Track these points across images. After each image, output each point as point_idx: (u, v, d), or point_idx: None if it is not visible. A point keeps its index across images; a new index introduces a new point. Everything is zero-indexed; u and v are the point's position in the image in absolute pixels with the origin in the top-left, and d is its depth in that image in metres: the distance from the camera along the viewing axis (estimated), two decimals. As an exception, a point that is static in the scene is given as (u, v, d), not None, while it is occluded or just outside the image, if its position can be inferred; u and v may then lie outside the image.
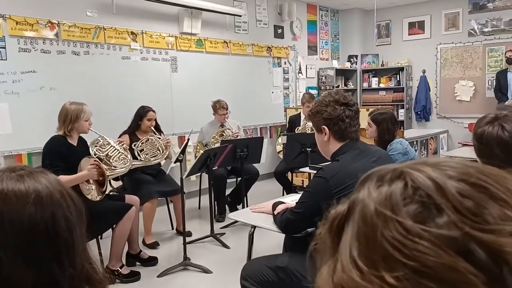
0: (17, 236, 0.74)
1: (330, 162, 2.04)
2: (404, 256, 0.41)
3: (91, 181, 3.17)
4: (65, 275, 0.76)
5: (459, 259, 0.40)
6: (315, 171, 3.84)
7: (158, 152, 3.93)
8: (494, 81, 7.08)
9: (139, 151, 3.91)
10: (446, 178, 0.44)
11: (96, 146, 3.33)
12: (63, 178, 2.93)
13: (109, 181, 3.15)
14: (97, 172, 3.09)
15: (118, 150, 3.39)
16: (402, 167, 0.48)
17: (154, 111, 4.14)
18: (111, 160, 3.33)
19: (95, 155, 3.26)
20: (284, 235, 2.35)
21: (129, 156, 3.47)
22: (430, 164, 0.47)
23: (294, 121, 5.77)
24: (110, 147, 3.38)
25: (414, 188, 0.45)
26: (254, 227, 2.44)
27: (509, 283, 0.40)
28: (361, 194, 0.48)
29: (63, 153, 3.13)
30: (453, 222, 0.41)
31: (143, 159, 3.87)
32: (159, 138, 4.01)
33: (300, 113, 5.79)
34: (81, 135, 3.35)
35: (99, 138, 3.37)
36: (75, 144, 3.26)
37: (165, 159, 4.10)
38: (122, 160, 3.39)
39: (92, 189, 3.15)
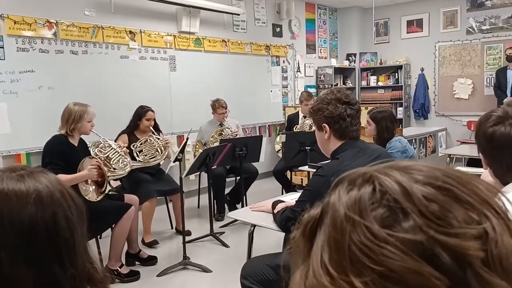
0: (17, 236, 0.73)
1: (329, 160, 2.04)
2: (371, 261, 0.42)
3: (89, 181, 3.16)
4: (66, 275, 0.76)
5: (423, 264, 0.40)
6: (314, 170, 3.85)
7: (157, 153, 3.92)
8: (493, 78, 7.09)
9: (138, 152, 3.90)
10: (413, 182, 0.44)
11: (97, 147, 3.34)
12: (63, 177, 2.92)
13: (108, 182, 3.15)
14: (97, 173, 3.09)
15: (118, 152, 3.40)
16: (371, 171, 0.48)
17: (153, 111, 4.13)
18: (111, 162, 3.33)
19: (96, 156, 3.26)
20: (283, 233, 2.34)
21: (129, 159, 3.47)
22: (398, 168, 0.47)
23: (292, 119, 5.77)
24: (111, 149, 3.39)
25: (382, 192, 0.45)
26: (254, 226, 2.44)
27: (473, 286, 0.40)
28: (332, 198, 0.48)
29: (64, 152, 3.13)
30: (419, 226, 0.42)
31: (141, 160, 3.86)
32: (158, 138, 4.00)
33: (298, 111, 5.79)
34: (81, 136, 3.35)
35: (100, 140, 3.38)
36: (76, 145, 3.27)
37: (164, 159, 4.09)
38: (122, 163, 3.39)
39: (90, 190, 3.15)
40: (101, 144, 3.38)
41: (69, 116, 3.19)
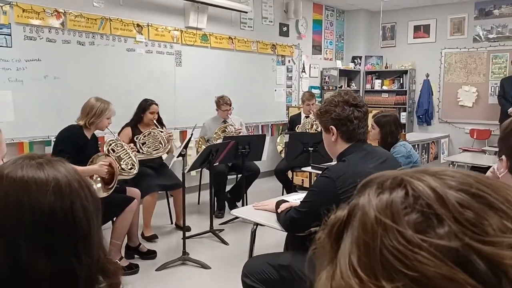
0: (36, 224, 0.73)
1: (336, 162, 2.04)
2: (404, 266, 0.41)
3: (94, 177, 3.17)
4: (82, 265, 0.76)
5: (458, 270, 0.40)
6: (317, 171, 3.85)
7: (160, 145, 3.93)
8: (498, 87, 7.09)
9: (141, 144, 3.91)
10: (447, 188, 0.44)
11: (110, 145, 3.38)
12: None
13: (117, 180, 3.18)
14: (107, 170, 3.12)
15: (129, 155, 3.43)
16: (402, 175, 0.48)
17: (157, 105, 4.13)
18: (120, 162, 3.36)
19: (108, 153, 3.29)
20: (284, 233, 2.35)
21: (137, 162, 3.49)
22: (430, 173, 0.47)
23: (295, 120, 5.77)
24: (123, 150, 3.42)
25: (415, 197, 0.44)
26: (257, 224, 2.44)
27: None
28: (361, 201, 0.48)
29: (77, 143, 3.18)
30: (454, 233, 0.41)
31: (145, 152, 3.87)
32: (161, 131, 4.00)
33: (300, 112, 5.79)
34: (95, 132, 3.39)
35: (115, 139, 3.42)
36: (89, 138, 3.31)
37: (166, 153, 4.09)
38: (130, 165, 3.42)
39: (96, 187, 3.16)
40: (114, 143, 3.41)
41: (91, 110, 3.25)
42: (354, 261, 0.44)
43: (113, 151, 3.38)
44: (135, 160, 3.48)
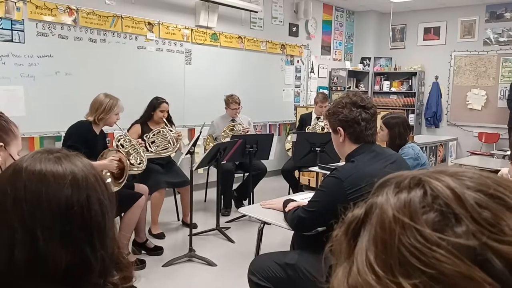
0: (54, 216, 0.76)
1: (344, 163, 2.05)
2: (422, 264, 0.42)
3: (103, 172, 3.21)
4: (96, 257, 0.78)
5: (475, 269, 0.41)
6: (324, 171, 3.86)
7: (169, 145, 3.96)
8: (508, 91, 7.04)
9: (150, 143, 3.94)
10: (465, 188, 0.45)
11: (119, 141, 3.42)
12: None
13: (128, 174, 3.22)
14: (117, 165, 3.15)
15: (137, 150, 3.46)
16: (420, 175, 0.49)
17: (167, 103, 4.16)
18: (129, 157, 3.41)
19: (117, 148, 3.34)
20: (291, 232, 2.36)
21: (145, 158, 3.52)
22: (449, 174, 0.48)
23: (305, 119, 5.77)
24: (131, 145, 3.46)
25: (433, 197, 0.46)
26: (264, 223, 2.46)
27: None
28: (379, 199, 0.49)
29: (86, 138, 3.21)
30: (471, 232, 0.42)
31: (153, 151, 3.90)
32: (171, 130, 4.03)
33: (311, 112, 5.79)
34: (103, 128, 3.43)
35: (123, 135, 3.46)
36: (98, 134, 3.34)
37: (175, 152, 4.12)
38: (139, 160, 3.46)
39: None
40: (123, 139, 3.44)
41: (100, 106, 3.28)
42: (371, 258, 0.46)
43: (122, 146, 3.42)
44: (143, 155, 3.52)
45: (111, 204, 0.85)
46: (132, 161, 3.42)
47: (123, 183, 3.19)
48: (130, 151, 3.44)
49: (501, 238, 0.42)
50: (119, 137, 3.48)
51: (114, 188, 3.19)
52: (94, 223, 0.79)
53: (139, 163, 3.47)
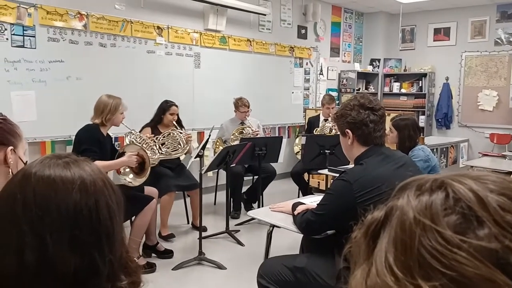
0: (62, 220, 0.76)
1: (353, 166, 2.04)
2: (442, 266, 0.42)
3: (122, 170, 3.26)
4: (104, 261, 0.79)
5: (497, 272, 0.41)
6: (334, 174, 3.84)
7: (179, 146, 3.98)
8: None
9: (160, 145, 3.96)
10: (488, 192, 0.45)
11: (131, 136, 3.45)
12: (101, 163, 3.01)
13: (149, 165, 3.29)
14: (136, 160, 3.18)
15: (149, 144, 3.51)
16: (443, 178, 0.49)
17: (177, 106, 4.19)
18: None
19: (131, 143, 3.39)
20: (300, 235, 2.35)
21: (157, 152, 3.57)
22: (472, 177, 0.48)
23: (313, 122, 5.76)
24: (142, 140, 3.49)
25: (456, 199, 0.45)
26: (273, 226, 2.45)
27: None
28: (400, 202, 0.49)
29: (99, 140, 3.25)
30: (494, 235, 0.42)
31: (163, 153, 3.92)
32: (181, 132, 4.06)
33: (319, 114, 5.78)
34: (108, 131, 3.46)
35: (132, 131, 3.49)
36: (105, 135, 3.37)
37: (185, 154, 4.14)
38: (151, 154, 3.50)
39: (128, 179, 3.26)
40: (133, 136, 3.48)
41: (105, 107, 3.30)
42: (391, 260, 0.46)
43: (136, 141, 3.46)
44: (155, 149, 3.57)
45: (119, 208, 0.85)
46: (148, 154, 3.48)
47: (147, 175, 3.23)
48: (143, 145, 3.49)
49: None
50: (130, 135, 3.50)
51: (140, 181, 3.25)
52: (103, 228, 0.80)
53: (153, 155, 3.51)
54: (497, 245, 0.41)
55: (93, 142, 3.20)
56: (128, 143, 3.41)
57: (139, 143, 3.46)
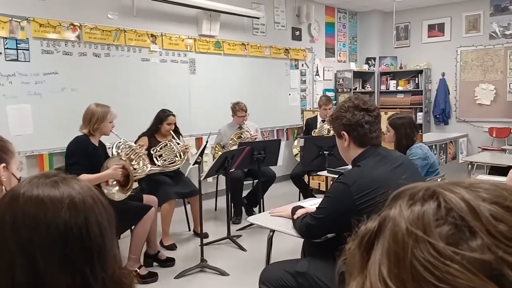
0: (52, 240, 0.76)
1: (351, 168, 2.03)
2: (435, 278, 0.41)
3: (110, 182, 3.21)
4: (97, 279, 0.78)
5: (491, 284, 0.40)
6: (333, 175, 3.83)
7: (176, 158, 3.96)
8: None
9: (157, 156, 3.94)
10: (480, 201, 0.44)
11: (118, 148, 3.39)
12: (87, 176, 2.98)
13: (134, 180, 3.20)
14: (121, 172, 3.14)
15: (138, 154, 3.45)
16: (435, 187, 0.48)
17: (174, 115, 4.17)
18: (132, 163, 3.38)
19: (118, 155, 3.32)
20: (302, 240, 2.34)
21: (148, 161, 3.52)
22: (464, 186, 0.47)
23: (310, 123, 5.76)
24: (131, 150, 3.44)
25: (447, 209, 0.44)
26: (273, 231, 2.44)
27: None
28: (392, 212, 0.48)
29: (88, 152, 3.18)
30: (487, 246, 0.41)
31: (160, 165, 3.89)
32: (178, 143, 4.03)
33: (317, 115, 5.77)
34: (100, 138, 3.40)
35: (121, 141, 3.43)
36: (97, 145, 3.31)
37: (182, 164, 4.12)
38: (142, 163, 3.45)
39: (114, 192, 3.19)
40: (122, 145, 3.42)
41: (92, 116, 3.23)
42: (384, 272, 0.45)
43: (123, 152, 3.40)
44: (144, 157, 3.50)
45: (111, 224, 0.84)
46: (135, 166, 3.40)
47: (130, 190, 3.18)
48: (131, 156, 3.42)
49: None
50: (118, 144, 3.42)
51: (122, 196, 3.19)
52: (94, 245, 0.79)
53: (143, 166, 3.45)
54: (490, 256, 0.40)
55: (81, 155, 3.14)
56: (115, 154, 3.35)
57: (127, 153, 3.40)
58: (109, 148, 3.47)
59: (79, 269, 0.77)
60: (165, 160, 3.92)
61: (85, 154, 3.15)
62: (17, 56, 4.14)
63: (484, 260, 0.40)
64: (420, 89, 7.97)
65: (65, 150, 4.34)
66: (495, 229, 0.42)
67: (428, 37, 8.01)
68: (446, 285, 0.40)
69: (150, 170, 3.56)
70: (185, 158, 4.02)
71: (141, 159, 3.47)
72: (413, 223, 0.45)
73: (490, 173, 4.56)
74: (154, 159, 3.89)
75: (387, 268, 0.45)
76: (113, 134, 3.37)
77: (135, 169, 3.38)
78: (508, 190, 0.46)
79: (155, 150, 3.94)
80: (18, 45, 4.14)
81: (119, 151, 3.38)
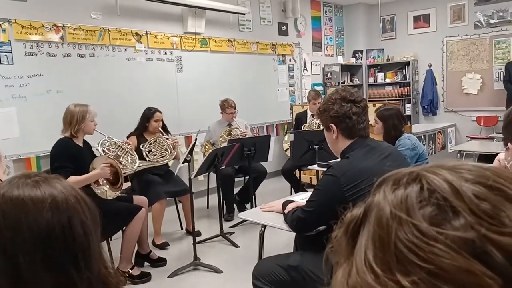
0: (35, 240, 0.74)
1: (340, 160, 2.03)
2: (419, 259, 0.41)
3: (100, 181, 3.17)
4: (82, 279, 0.76)
5: (475, 262, 0.40)
6: (323, 169, 3.83)
7: (166, 152, 3.94)
8: (503, 73, 7.02)
9: (147, 152, 3.92)
10: (463, 181, 0.44)
11: (104, 146, 3.35)
12: (75, 178, 2.94)
13: (123, 177, 3.17)
14: (110, 171, 3.10)
15: (125, 150, 3.42)
16: (418, 170, 0.48)
17: (160, 112, 4.15)
18: (120, 160, 3.34)
19: (104, 154, 3.28)
20: (294, 233, 2.34)
21: (136, 155, 3.49)
22: (446, 167, 0.47)
23: (300, 118, 5.76)
24: (118, 147, 3.40)
25: (430, 191, 0.44)
26: (265, 226, 2.44)
27: None
28: (377, 198, 0.48)
29: (72, 154, 3.13)
30: (470, 224, 0.41)
31: (151, 160, 3.88)
32: (167, 138, 4.02)
33: (306, 110, 5.78)
34: (85, 137, 3.35)
35: (106, 138, 3.39)
36: (81, 146, 3.27)
37: (173, 159, 4.10)
38: (130, 159, 3.42)
39: (105, 190, 3.17)
40: (108, 143, 3.38)
41: (72, 117, 3.17)
42: (370, 257, 0.45)
43: (109, 150, 3.36)
44: (132, 153, 3.46)
45: (95, 223, 0.83)
46: (123, 163, 3.36)
47: (122, 187, 3.15)
48: (118, 153, 3.38)
49: (501, 230, 0.40)
50: (103, 142, 3.36)
51: (114, 194, 3.17)
52: (78, 245, 0.77)
53: (131, 162, 3.42)
54: (474, 235, 0.40)
55: (65, 158, 3.08)
56: (101, 152, 3.31)
57: (114, 150, 3.37)
58: (95, 148, 3.43)
59: (64, 269, 0.76)
60: (155, 155, 3.90)
61: (68, 157, 3.09)
62: (0, 59, 4.08)
63: (467, 239, 0.40)
64: (407, 80, 8.01)
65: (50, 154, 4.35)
66: (477, 208, 0.42)
67: (414, 28, 8.05)
68: (431, 265, 0.40)
69: (139, 165, 3.52)
70: (175, 152, 4.00)
71: (129, 154, 3.43)
72: (396, 206, 0.45)
73: (479, 161, 4.60)
74: (144, 155, 3.86)
75: (373, 253, 0.45)
76: (97, 132, 3.32)
77: (124, 165, 3.35)
78: (491, 170, 0.46)
79: (144, 146, 3.91)
80: (0, 48, 4.08)
81: (105, 149, 3.33)
